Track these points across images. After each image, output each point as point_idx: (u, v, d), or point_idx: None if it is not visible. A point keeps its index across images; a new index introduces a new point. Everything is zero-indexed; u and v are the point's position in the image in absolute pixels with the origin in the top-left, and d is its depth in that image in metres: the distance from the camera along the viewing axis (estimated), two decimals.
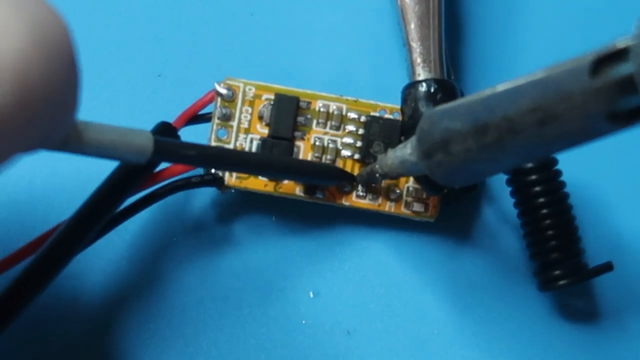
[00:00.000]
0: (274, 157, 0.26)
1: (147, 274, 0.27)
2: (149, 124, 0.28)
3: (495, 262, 0.28)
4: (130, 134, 0.20)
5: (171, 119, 0.28)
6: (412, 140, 0.23)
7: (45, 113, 0.16)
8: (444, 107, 0.22)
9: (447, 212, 0.27)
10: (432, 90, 0.26)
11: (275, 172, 0.26)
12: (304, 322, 0.27)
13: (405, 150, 0.23)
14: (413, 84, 0.26)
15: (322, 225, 0.28)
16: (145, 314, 0.27)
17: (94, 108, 0.28)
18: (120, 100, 0.28)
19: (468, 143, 0.20)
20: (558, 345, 0.28)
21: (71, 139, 0.19)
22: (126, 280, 0.27)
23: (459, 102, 0.21)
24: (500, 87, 0.19)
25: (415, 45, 0.27)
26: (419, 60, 0.26)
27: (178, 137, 0.26)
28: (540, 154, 0.20)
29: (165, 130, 0.26)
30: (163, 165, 0.25)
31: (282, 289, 0.27)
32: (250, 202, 0.28)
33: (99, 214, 0.24)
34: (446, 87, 0.26)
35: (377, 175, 0.25)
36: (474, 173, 0.22)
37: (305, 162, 0.26)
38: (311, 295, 0.28)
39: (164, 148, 0.22)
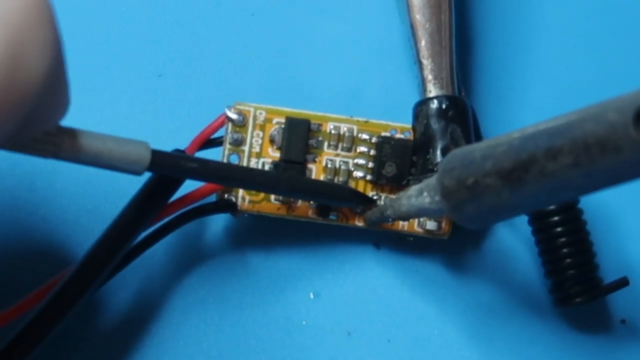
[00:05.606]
0: (284, 175, 0.26)
1: (150, 286, 0.27)
2: (149, 124, 0.28)
3: (496, 263, 0.28)
4: (127, 144, 0.20)
5: (172, 119, 0.28)
6: (427, 189, 0.23)
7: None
8: (461, 161, 0.21)
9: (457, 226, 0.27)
10: (444, 106, 0.26)
11: (283, 190, 0.25)
12: (304, 323, 0.27)
13: (423, 200, 0.23)
14: (424, 101, 0.26)
15: (325, 231, 0.28)
16: (145, 315, 0.27)
17: (95, 108, 0.28)
18: (121, 100, 0.28)
19: (503, 196, 0.20)
20: (557, 344, 0.28)
21: (65, 146, 0.19)
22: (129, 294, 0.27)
23: (477, 156, 0.20)
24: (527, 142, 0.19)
25: (426, 62, 0.26)
26: (430, 77, 0.26)
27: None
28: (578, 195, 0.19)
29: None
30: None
31: (282, 290, 0.27)
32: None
33: (116, 248, 0.24)
34: (457, 104, 0.26)
35: (390, 219, 0.25)
36: (502, 218, 0.22)
37: (316, 182, 0.26)
38: (311, 296, 0.28)
39: (162, 160, 0.21)
